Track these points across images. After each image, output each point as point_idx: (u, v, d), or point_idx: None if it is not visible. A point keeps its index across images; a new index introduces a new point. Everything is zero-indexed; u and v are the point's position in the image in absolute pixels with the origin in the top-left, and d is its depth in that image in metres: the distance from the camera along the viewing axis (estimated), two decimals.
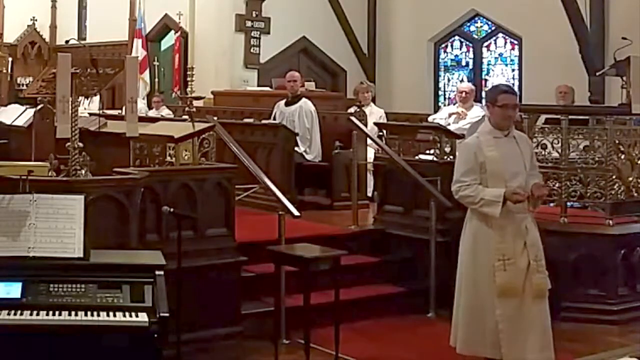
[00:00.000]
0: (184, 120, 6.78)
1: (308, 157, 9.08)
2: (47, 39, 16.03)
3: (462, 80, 12.91)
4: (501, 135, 4.98)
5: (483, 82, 13.01)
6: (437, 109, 12.02)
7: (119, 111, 9.88)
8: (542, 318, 4.91)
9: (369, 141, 8.54)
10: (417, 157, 7.84)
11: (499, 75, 12.88)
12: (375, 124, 8.77)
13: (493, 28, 12.94)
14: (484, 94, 12.58)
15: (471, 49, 13.28)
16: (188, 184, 5.79)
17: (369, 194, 8.80)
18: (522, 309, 4.86)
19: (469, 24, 13.26)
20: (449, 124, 8.72)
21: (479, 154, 4.92)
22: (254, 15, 13.01)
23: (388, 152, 7.56)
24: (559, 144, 7.06)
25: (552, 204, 7.20)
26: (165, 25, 14.28)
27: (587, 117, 7.65)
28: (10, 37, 15.60)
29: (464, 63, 13.41)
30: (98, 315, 4.18)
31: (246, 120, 9.67)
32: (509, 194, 4.83)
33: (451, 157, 7.43)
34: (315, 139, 9.14)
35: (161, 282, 4.35)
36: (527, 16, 11.83)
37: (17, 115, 9.24)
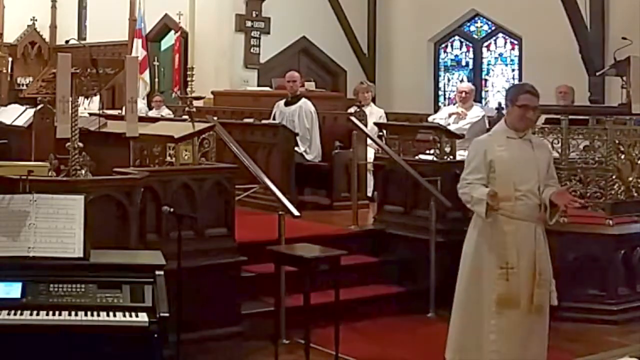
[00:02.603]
0: (184, 120, 6.78)
1: (308, 157, 9.08)
2: (47, 39, 16.03)
3: (462, 80, 12.91)
4: (515, 137, 4.76)
5: (483, 82, 13.02)
6: (437, 109, 12.02)
7: (119, 111, 9.87)
8: (539, 333, 4.71)
9: (369, 141, 8.54)
10: (417, 157, 7.84)
11: (499, 75, 12.89)
12: (375, 124, 8.76)
13: (493, 28, 12.95)
14: (483, 94, 12.75)
15: (471, 49, 13.29)
16: (188, 184, 5.79)
17: (369, 194, 8.80)
18: (520, 323, 4.64)
19: (469, 24, 13.26)
20: (449, 124, 8.71)
21: (489, 152, 4.71)
22: (254, 15, 13.01)
23: (388, 152, 7.56)
24: (559, 144, 7.06)
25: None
26: (165, 25, 14.28)
27: (587, 117, 7.65)
28: (10, 37, 15.60)
29: (464, 63, 13.42)
30: (98, 315, 4.18)
31: (246, 120, 9.67)
32: (490, 194, 4.60)
33: (451, 157, 7.45)
34: (315, 139, 9.14)
35: (161, 282, 4.35)
36: (527, 16, 11.84)
37: (17, 115, 9.24)
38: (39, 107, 8.23)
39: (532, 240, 4.72)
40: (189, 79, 6.76)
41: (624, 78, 7.38)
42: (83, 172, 4.95)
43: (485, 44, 13.11)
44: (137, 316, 4.19)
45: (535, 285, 4.66)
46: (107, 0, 14.85)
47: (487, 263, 4.71)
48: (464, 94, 9.30)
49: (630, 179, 7.10)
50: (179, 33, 13.30)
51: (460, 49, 13.44)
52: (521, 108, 4.73)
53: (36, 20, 15.94)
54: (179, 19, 12.88)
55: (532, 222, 4.73)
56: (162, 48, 14.68)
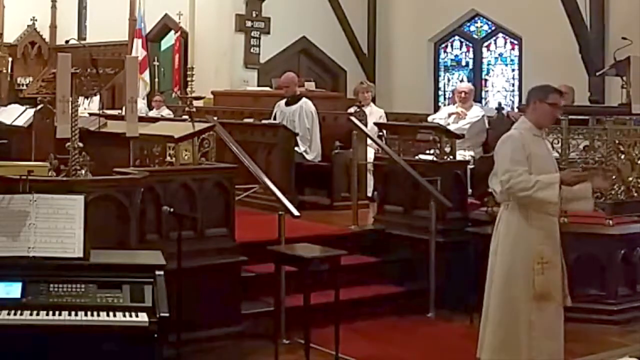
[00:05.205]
0: (184, 120, 6.78)
1: (308, 157, 9.07)
2: (47, 39, 16.03)
3: (462, 80, 12.91)
4: (539, 134, 4.87)
5: (483, 82, 13.02)
6: (437, 109, 12.02)
7: (119, 111, 9.88)
8: (562, 324, 4.80)
9: (369, 141, 8.53)
10: (417, 157, 7.84)
11: (499, 75, 12.89)
12: (375, 124, 8.76)
13: (493, 28, 12.95)
14: (483, 94, 12.76)
15: (471, 49, 13.29)
16: (188, 184, 5.79)
17: (369, 194, 8.80)
18: (558, 316, 4.71)
19: (469, 24, 13.27)
20: (448, 124, 8.72)
21: (526, 147, 4.70)
22: (254, 15, 13.01)
23: (388, 152, 7.56)
24: (559, 144, 7.06)
25: None
26: (165, 25, 14.29)
27: (587, 117, 7.65)
28: (10, 37, 15.60)
29: (464, 63, 13.42)
30: (98, 315, 4.18)
31: (246, 120, 9.67)
32: (567, 175, 4.64)
33: (451, 157, 7.45)
34: (315, 139, 9.13)
35: (161, 282, 4.35)
36: (527, 16, 11.84)
37: (17, 115, 9.26)
38: (39, 107, 8.25)
39: (557, 234, 4.80)
40: (189, 79, 6.75)
41: (624, 78, 7.38)
42: (83, 172, 4.95)
43: (485, 44, 13.11)
44: (137, 316, 4.19)
45: (564, 277, 4.76)
46: (107, 0, 14.85)
47: (523, 260, 4.69)
48: (463, 94, 9.31)
49: (630, 179, 7.10)
50: (179, 33, 13.30)
51: (460, 49, 13.44)
52: (551, 106, 4.82)
53: (36, 20, 15.94)
54: (179, 19, 12.88)
55: (556, 216, 4.84)
56: (162, 48, 14.68)
